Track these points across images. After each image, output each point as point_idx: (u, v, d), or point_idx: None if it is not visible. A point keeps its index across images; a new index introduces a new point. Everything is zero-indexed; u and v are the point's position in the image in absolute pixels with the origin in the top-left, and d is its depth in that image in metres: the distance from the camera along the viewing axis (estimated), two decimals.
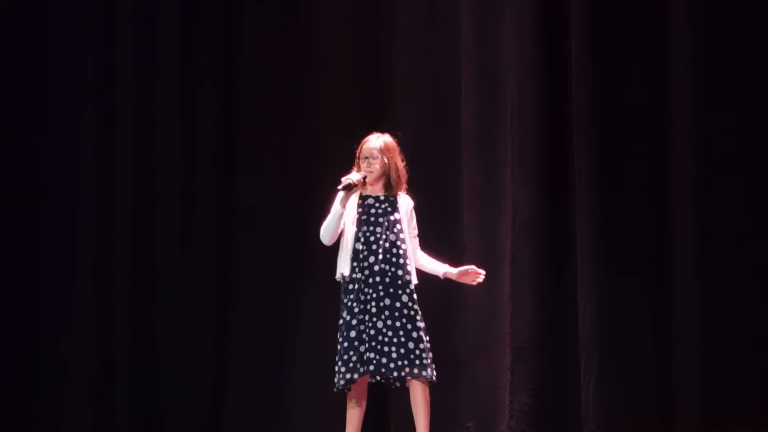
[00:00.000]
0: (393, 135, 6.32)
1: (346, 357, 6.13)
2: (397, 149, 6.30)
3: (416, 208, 6.38)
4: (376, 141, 6.30)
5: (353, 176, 6.25)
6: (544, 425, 7.05)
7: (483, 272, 6.31)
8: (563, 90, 7.14)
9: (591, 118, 7.01)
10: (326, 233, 6.29)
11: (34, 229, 8.15)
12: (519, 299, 7.16)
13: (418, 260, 6.33)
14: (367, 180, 6.28)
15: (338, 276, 6.25)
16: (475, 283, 6.36)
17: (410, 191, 6.36)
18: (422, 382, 6.14)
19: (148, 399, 7.94)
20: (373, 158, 6.25)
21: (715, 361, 6.75)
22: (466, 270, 6.32)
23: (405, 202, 6.32)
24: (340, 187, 6.20)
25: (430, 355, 6.17)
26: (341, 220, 6.25)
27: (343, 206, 6.25)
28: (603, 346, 6.89)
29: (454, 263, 6.43)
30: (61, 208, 8.13)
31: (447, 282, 6.43)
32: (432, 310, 6.58)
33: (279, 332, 7.79)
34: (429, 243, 6.42)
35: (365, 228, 6.24)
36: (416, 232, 6.33)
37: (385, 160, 6.25)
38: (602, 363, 6.88)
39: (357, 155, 6.28)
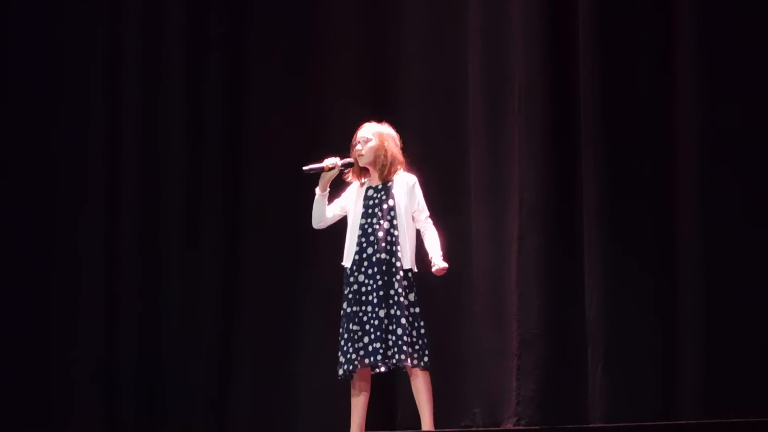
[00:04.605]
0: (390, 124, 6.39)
1: (345, 348, 6.17)
2: (387, 133, 6.37)
3: (425, 195, 6.40)
4: (367, 126, 6.39)
5: (328, 161, 6.30)
6: (551, 412, 7.02)
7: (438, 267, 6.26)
8: (570, 75, 7.10)
9: (598, 103, 6.97)
10: (313, 217, 6.41)
11: (41, 228, 8.17)
12: (526, 286, 7.13)
13: (425, 241, 6.31)
14: (357, 163, 6.33)
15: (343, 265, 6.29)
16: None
17: (416, 172, 6.39)
18: (420, 369, 6.14)
19: (153, 399, 7.95)
20: (363, 142, 6.32)
21: (720, 349, 6.72)
22: (434, 270, 6.28)
23: (401, 183, 6.33)
24: (304, 168, 6.30)
25: (424, 341, 6.19)
26: (324, 204, 6.35)
27: (323, 190, 6.34)
28: (610, 333, 6.86)
29: (462, 249, 6.41)
30: (68, 206, 8.14)
31: (453, 269, 6.43)
32: (439, 297, 6.57)
33: (285, 331, 7.78)
34: (436, 230, 6.40)
35: (364, 220, 6.29)
36: (425, 211, 6.33)
37: (374, 144, 6.30)
38: (609, 350, 6.84)
39: (351, 143, 6.35)
